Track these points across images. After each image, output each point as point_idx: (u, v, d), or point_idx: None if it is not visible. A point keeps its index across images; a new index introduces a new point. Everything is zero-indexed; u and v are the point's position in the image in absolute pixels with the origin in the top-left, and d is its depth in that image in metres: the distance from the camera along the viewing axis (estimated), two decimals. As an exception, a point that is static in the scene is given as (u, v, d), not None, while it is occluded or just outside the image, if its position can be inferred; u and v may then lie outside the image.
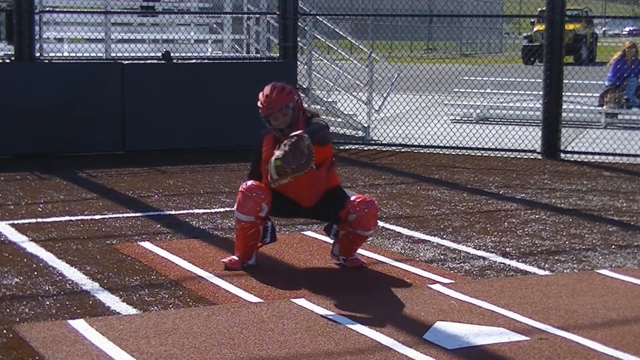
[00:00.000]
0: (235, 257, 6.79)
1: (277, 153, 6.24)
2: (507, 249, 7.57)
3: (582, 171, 11.91)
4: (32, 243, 7.47)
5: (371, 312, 5.71)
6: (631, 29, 53.15)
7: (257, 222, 6.61)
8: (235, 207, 6.64)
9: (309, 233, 8.00)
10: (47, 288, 6.21)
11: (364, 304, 5.90)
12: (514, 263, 7.14)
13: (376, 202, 6.77)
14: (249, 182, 6.60)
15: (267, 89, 6.62)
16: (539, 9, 24.87)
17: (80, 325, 5.37)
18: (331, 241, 6.98)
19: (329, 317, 5.60)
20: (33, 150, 12.13)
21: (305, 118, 6.66)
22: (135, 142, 12.66)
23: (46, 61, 13.18)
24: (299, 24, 14.28)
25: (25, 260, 6.94)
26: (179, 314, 5.65)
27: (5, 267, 6.71)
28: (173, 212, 8.85)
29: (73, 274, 6.57)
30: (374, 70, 15.65)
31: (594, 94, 18.00)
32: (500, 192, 10.30)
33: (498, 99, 19.08)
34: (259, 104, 6.61)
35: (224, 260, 6.83)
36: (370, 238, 7.81)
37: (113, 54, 14.71)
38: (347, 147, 13.78)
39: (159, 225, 8.30)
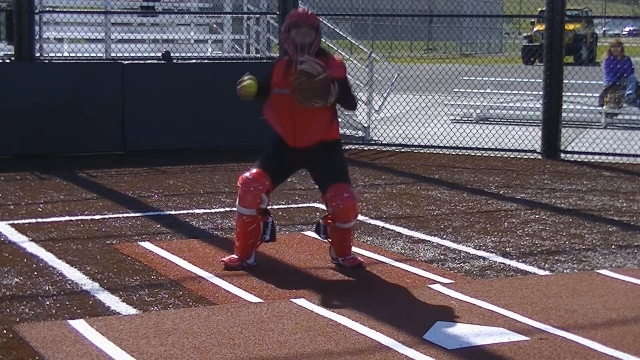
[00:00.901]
0: (234, 256, 6.80)
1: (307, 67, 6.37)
2: (507, 249, 7.57)
3: (582, 171, 11.91)
4: (32, 243, 7.47)
5: (371, 312, 5.71)
6: (631, 29, 53.19)
7: (259, 216, 6.66)
8: (237, 202, 6.68)
9: (309, 233, 8.00)
10: (47, 288, 6.21)
11: (364, 304, 5.90)
12: (514, 263, 7.14)
13: (355, 194, 6.68)
14: (245, 175, 6.65)
15: (300, 8, 6.76)
16: (539, 9, 24.86)
17: (80, 325, 5.37)
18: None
19: (329, 317, 5.61)
20: (33, 150, 12.13)
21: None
22: (135, 142, 12.66)
23: (46, 61, 13.19)
24: (299, 24, 14.25)
25: (25, 260, 6.94)
26: (179, 314, 5.65)
27: (5, 267, 6.72)
28: (173, 212, 8.85)
29: (73, 274, 6.57)
30: (374, 70, 15.65)
31: (594, 94, 18.00)
32: (500, 192, 10.30)
33: (498, 99, 19.08)
34: (290, 15, 6.63)
35: (223, 259, 6.84)
36: (370, 238, 7.82)
37: (113, 54, 14.71)
38: (347, 147, 13.77)
39: (159, 225, 8.30)
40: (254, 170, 6.67)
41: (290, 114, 6.58)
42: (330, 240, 6.89)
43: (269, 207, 6.81)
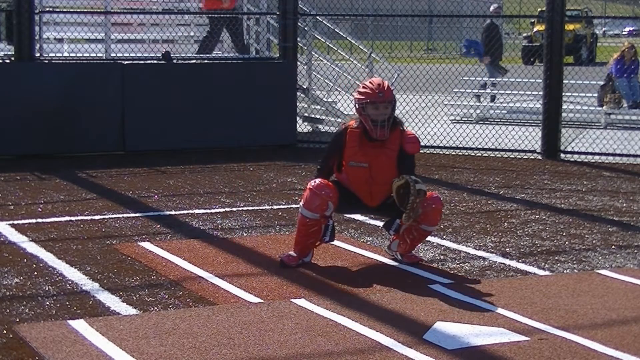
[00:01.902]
0: (292, 254, 6.83)
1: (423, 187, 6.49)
2: (507, 249, 7.57)
3: (582, 171, 11.91)
4: (32, 243, 7.47)
5: (371, 312, 5.71)
6: (631, 29, 53.15)
7: (321, 220, 6.69)
8: (301, 203, 6.70)
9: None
10: (47, 288, 6.20)
11: (364, 304, 5.91)
12: (514, 263, 7.14)
13: (441, 199, 6.90)
14: (318, 180, 6.68)
15: (376, 80, 6.77)
16: (539, 9, 24.86)
17: (80, 325, 5.37)
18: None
19: (329, 317, 5.61)
20: (33, 150, 12.13)
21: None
22: (136, 142, 12.66)
23: (46, 61, 13.18)
24: (299, 24, 14.27)
25: (25, 260, 6.94)
26: (179, 314, 5.65)
27: (5, 267, 6.71)
28: (173, 213, 8.85)
29: (73, 274, 6.57)
30: (374, 70, 15.64)
31: (593, 94, 18.01)
32: (500, 192, 10.30)
33: (498, 99, 19.07)
34: (365, 90, 6.68)
35: (280, 256, 6.88)
36: (370, 238, 7.82)
37: (113, 54, 14.70)
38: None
39: (159, 226, 8.30)
40: (328, 181, 6.73)
41: (368, 186, 6.75)
42: (394, 236, 6.98)
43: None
